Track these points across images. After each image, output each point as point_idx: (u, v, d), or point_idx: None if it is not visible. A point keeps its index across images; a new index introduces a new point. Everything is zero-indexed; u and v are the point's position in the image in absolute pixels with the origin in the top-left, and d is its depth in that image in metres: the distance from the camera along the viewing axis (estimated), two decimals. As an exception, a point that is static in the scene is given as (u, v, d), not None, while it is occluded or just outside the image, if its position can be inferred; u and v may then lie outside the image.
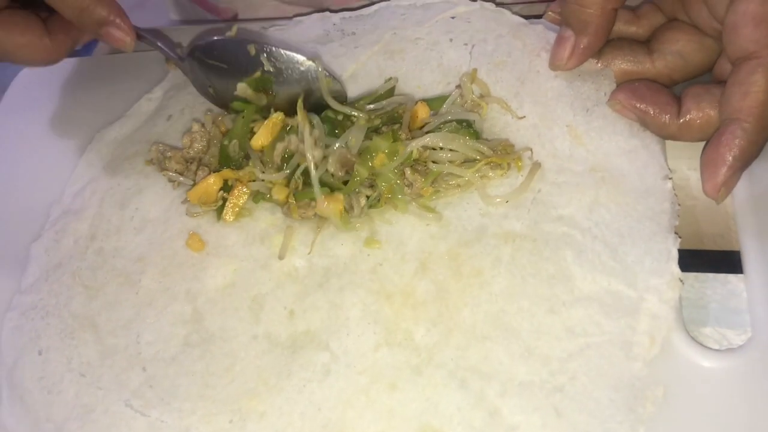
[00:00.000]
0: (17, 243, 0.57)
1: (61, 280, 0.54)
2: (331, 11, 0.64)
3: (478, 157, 0.52)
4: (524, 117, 0.54)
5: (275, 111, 0.55)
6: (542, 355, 0.45)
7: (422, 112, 0.54)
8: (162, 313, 0.51)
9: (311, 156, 0.51)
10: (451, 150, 0.52)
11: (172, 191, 0.57)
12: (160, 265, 0.53)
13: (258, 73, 0.56)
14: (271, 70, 0.56)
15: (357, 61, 0.60)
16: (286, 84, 0.56)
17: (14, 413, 0.48)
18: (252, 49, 0.56)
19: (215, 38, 0.57)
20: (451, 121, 0.54)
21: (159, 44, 0.58)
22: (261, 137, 0.54)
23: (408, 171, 0.52)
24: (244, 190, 0.54)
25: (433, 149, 0.52)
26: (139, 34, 0.56)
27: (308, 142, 0.52)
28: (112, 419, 0.47)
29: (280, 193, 0.53)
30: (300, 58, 0.55)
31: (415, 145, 0.51)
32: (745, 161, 0.45)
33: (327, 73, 0.55)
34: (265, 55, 0.56)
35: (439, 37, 0.60)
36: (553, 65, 0.54)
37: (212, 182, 0.54)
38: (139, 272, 0.53)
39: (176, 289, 0.52)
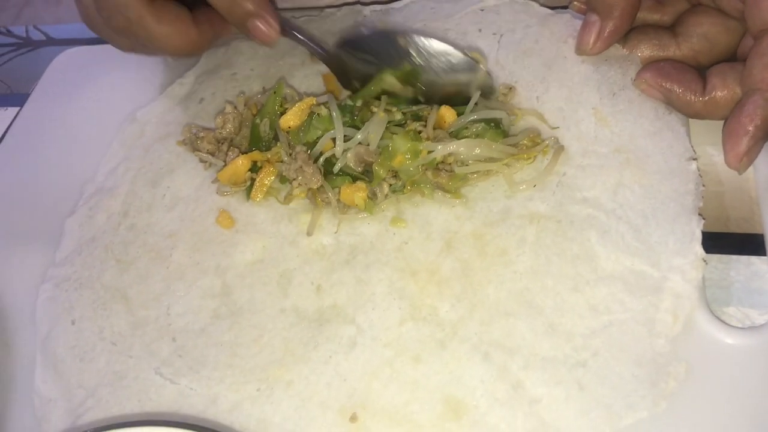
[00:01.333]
0: (52, 219, 0.58)
1: (94, 254, 0.55)
2: (362, 4, 0.65)
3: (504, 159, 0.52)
4: (558, 128, 0.54)
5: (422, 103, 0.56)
6: (565, 331, 0.45)
7: (449, 116, 0.55)
8: (192, 287, 0.52)
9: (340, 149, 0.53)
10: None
11: (203, 171, 0.58)
12: (191, 241, 0.54)
13: (407, 66, 0.56)
14: (420, 62, 0.56)
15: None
16: (434, 75, 0.56)
17: (47, 380, 0.50)
18: (401, 41, 0.56)
19: (364, 32, 0.57)
20: (478, 120, 0.54)
21: (304, 39, 0.58)
22: (290, 118, 0.55)
23: (430, 173, 0.52)
24: (272, 169, 0.55)
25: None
26: (284, 30, 0.56)
27: (339, 137, 0.53)
28: (143, 385, 0.48)
29: (301, 193, 0.54)
30: (451, 50, 0.55)
31: (438, 153, 0.52)
32: (767, 131, 0.46)
33: (483, 69, 0.56)
34: (414, 46, 0.56)
35: (467, 27, 0.61)
36: (580, 50, 0.55)
37: (241, 164, 0.55)
38: (170, 248, 0.54)
39: (206, 264, 0.53)
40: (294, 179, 0.53)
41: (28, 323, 0.53)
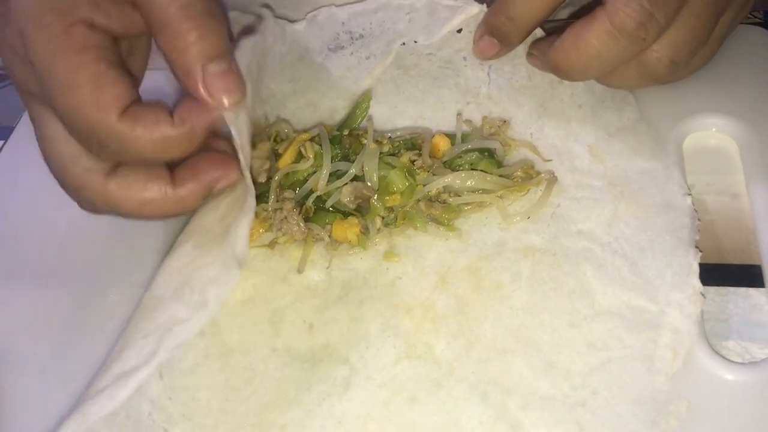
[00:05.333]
0: (36, 256, 0.57)
1: None
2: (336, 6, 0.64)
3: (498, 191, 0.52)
4: (551, 160, 0.54)
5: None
6: (563, 369, 0.45)
7: (443, 145, 0.54)
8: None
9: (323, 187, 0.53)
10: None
11: None
12: (180, 278, 0.53)
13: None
14: None
15: (372, 75, 0.60)
16: None
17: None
18: None
19: None
20: (471, 150, 0.54)
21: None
22: (287, 159, 0.54)
23: (423, 205, 0.52)
24: (262, 224, 0.54)
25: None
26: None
27: (323, 178, 0.52)
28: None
29: (286, 242, 0.53)
30: None
31: (433, 186, 0.52)
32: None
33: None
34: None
35: (451, 54, 0.61)
36: (477, 56, 0.59)
37: None
38: None
39: (195, 302, 0.52)
40: (279, 229, 0.52)
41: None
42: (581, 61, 0.50)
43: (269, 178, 0.54)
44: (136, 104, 0.43)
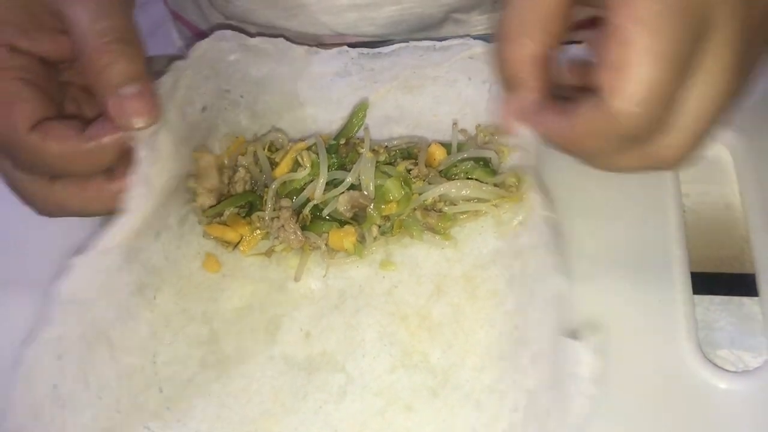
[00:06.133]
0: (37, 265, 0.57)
1: None
2: (349, 45, 0.64)
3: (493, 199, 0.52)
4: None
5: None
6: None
7: (439, 154, 0.54)
8: (179, 334, 0.51)
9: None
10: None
11: (186, 203, 0.55)
12: (177, 286, 0.53)
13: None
14: None
15: (376, 93, 0.61)
16: None
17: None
18: None
19: None
20: (467, 159, 0.54)
21: None
22: (283, 168, 0.54)
23: (419, 214, 0.52)
24: (259, 232, 0.54)
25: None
26: None
27: (320, 187, 0.53)
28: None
29: (283, 250, 0.53)
30: None
31: (428, 195, 0.52)
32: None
33: None
34: None
35: (457, 75, 0.60)
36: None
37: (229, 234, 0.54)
38: (154, 288, 0.52)
39: (193, 310, 0.52)
40: (276, 237, 0.53)
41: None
42: (577, 154, 0.41)
43: (266, 186, 0.54)
44: (49, 120, 0.46)
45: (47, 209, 0.49)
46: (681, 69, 0.36)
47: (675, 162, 0.39)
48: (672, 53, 0.35)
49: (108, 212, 0.49)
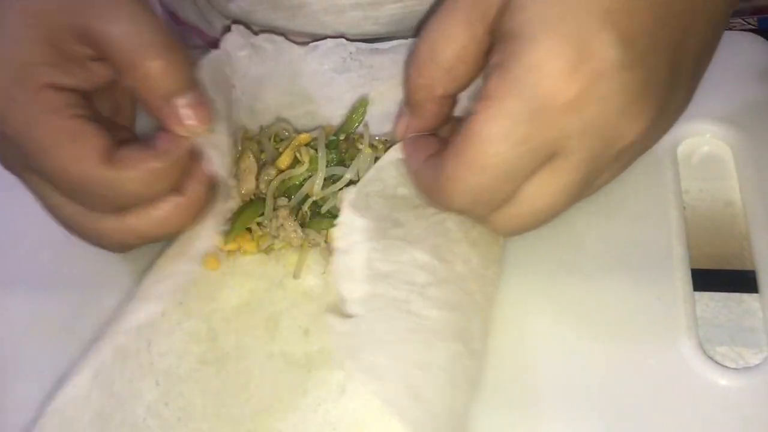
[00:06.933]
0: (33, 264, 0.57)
1: None
2: (347, 39, 0.64)
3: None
4: None
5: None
6: None
7: None
8: (176, 330, 0.50)
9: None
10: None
11: None
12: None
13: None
14: None
15: (375, 90, 0.60)
16: None
17: None
18: None
19: None
20: None
21: None
22: (285, 160, 0.54)
23: None
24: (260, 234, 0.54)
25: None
26: None
27: (318, 183, 0.53)
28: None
29: (282, 248, 0.53)
30: None
31: None
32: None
33: None
34: None
35: None
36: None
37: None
38: None
39: (191, 306, 0.52)
40: (275, 236, 0.52)
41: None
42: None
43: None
44: (116, 149, 0.45)
45: (128, 243, 0.49)
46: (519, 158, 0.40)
47: (510, 231, 0.46)
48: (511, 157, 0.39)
49: (186, 227, 0.50)
